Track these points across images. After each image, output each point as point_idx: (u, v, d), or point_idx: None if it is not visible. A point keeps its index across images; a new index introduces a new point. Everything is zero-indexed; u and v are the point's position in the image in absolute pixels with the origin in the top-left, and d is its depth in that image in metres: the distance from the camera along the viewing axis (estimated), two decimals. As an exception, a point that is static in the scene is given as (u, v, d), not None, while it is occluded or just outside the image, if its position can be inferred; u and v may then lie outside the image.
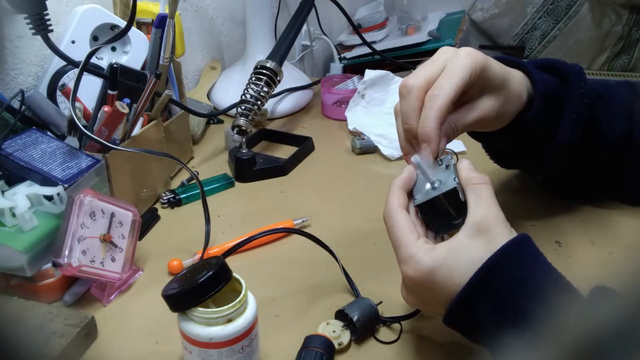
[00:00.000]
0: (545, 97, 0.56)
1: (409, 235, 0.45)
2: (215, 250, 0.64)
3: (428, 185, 0.47)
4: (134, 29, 0.76)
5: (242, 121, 0.80)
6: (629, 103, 0.64)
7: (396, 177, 0.49)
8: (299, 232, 0.64)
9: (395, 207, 0.46)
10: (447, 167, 0.48)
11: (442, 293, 0.43)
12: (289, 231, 0.66)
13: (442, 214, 0.47)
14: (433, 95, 0.48)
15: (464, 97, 0.51)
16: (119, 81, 0.66)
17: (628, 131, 0.63)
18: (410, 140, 0.50)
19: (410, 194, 0.49)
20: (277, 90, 0.88)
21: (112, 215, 0.58)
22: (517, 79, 0.55)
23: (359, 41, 1.31)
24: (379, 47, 1.39)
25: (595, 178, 0.67)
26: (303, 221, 0.69)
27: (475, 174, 0.46)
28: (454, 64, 0.49)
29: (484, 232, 0.43)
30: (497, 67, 0.52)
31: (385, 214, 0.47)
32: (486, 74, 0.50)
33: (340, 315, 0.53)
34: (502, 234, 0.43)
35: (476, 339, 0.46)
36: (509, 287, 0.41)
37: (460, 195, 0.45)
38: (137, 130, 0.69)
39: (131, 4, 0.69)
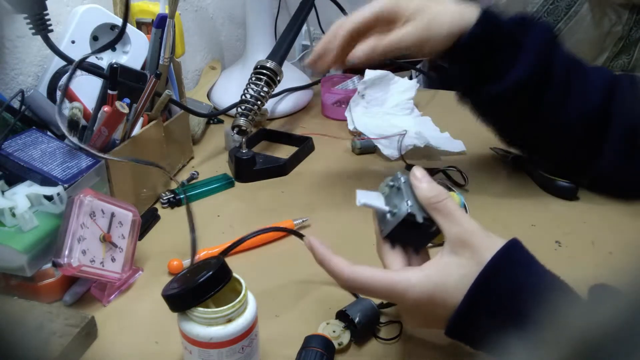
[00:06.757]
0: (492, 29, 0.62)
1: (391, 276, 0.43)
2: (214, 250, 0.64)
3: (388, 215, 0.46)
4: (134, 29, 0.76)
5: (242, 121, 0.80)
6: (614, 79, 0.66)
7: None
8: (295, 232, 0.64)
9: (354, 269, 0.44)
10: (399, 189, 0.47)
11: (444, 310, 0.43)
12: (285, 231, 0.66)
13: (414, 233, 0.46)
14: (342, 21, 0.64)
15: (388, 27, 0.63)
16: (119, 81, 0.66)
17: (604, 107, 0.65)
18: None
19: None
20: (277, 90, 0.88)
21: (112, 215, 0.58)
22: (448, 11, 0.62)
23: (359, 41, 1.30)
24: (379, 47, 1.38)
25: (571, 155, 0.70)
26: (303, 221, 0.69)
27: (431, 192, 0.44)
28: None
29: (465, 247, 0.42)
30: (410, 2, 0.62)
31: (348, 276, 0.44)
32: (397, 7, 0.62)
33: (342, 316, 0.53)
34: (483, 244, 0.42)
35: (479, 347, 0.46)
36: (505, 296, 0.41)
37: (418, 218, 0.44)
38: (137, 130, 0.69)
39: (125, 6, 0.69)
